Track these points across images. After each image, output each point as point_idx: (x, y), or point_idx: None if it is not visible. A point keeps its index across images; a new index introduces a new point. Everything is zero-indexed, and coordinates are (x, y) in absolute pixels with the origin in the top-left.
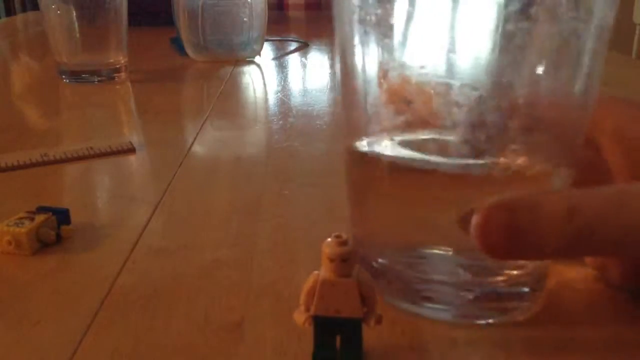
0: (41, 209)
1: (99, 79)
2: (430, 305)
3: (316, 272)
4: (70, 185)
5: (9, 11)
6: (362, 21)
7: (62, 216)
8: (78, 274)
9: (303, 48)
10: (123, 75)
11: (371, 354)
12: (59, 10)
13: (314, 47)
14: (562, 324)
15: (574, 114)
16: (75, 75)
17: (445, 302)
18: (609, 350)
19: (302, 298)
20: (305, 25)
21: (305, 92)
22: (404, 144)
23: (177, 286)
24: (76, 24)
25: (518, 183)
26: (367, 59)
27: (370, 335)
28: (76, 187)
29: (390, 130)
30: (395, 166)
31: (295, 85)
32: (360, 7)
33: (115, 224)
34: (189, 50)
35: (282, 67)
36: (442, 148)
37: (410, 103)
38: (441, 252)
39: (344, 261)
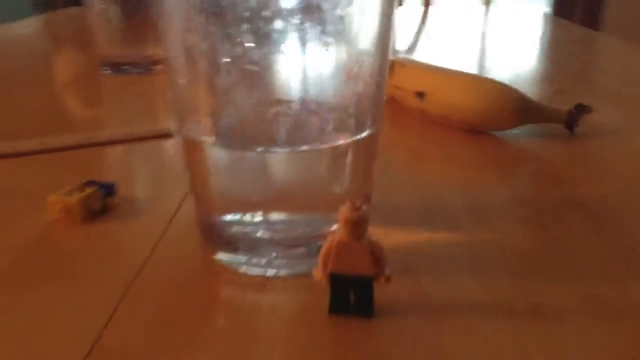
0: (89, 183)
1: (138, 70)
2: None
3: (333, 235)
4: (114, 165)
5: (52, 7)
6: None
7: (108, 189)
8: (121, 240)
9: None
10: (160, 67)
11: (381, 309)
12: (102, 5)
13: None
14: None
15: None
16: (116, 67)
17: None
18: None
19: (321, 258)
20: None
21: None
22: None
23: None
24: (117, 19)
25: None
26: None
27: (380, 293)
28: (119, 166)
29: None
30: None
31: None
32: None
33: (154, 198)
34: None
35: None
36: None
37: (422, 95)
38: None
39: (357, 225)
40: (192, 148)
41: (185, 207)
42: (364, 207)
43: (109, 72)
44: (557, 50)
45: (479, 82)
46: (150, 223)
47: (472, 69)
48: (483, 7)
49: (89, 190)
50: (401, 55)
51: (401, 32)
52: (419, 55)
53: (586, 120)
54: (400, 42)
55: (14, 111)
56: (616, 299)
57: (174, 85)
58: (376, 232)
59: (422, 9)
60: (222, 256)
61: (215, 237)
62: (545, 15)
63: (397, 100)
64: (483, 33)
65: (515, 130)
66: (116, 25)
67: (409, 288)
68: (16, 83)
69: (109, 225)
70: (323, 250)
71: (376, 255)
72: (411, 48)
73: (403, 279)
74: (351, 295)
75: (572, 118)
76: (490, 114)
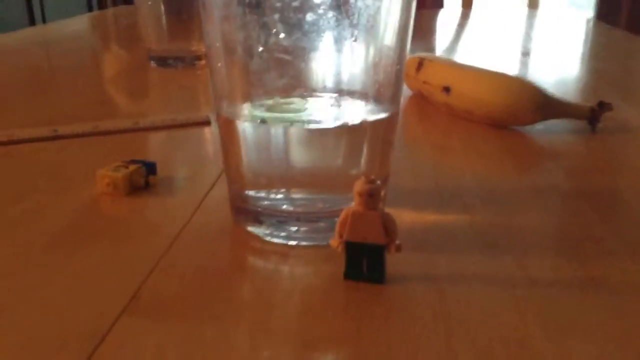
0: (134, 161)
1: (183, 64)
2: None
3: (348, 206)
4: (157, 147)
5: (102, 5)
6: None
7: (150, 167)
8: (160, 212)
9: None
10: (203, 62)
11: (392, 278)
12: (150, 2)
13: None
14: None
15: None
16: (162, 60)
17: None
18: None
19: (337, 227)
20: None
21: None
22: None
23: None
24: (164, 15)
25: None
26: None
27: (392, 262)
28: (161, 149)
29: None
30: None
31: None
32: None
33: (191, 177)
34: None
35: None
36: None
37: (448, 90)
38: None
39: (371, 196)
40: (226, 126)
41: (218, 186)
42: (378, 181)
43: (155, 65)
44: (595, 53)
45: (503, 79)
46: (186, 198)
47: (510, 71)
48: (526, 10)
49: (133, 167)
50: (430, 53)
51: (442, 33)
52: (458, 56)
53: (608, 117)
54: (441, 43)
55: (71, 99)
56: (613, 278)
57: (213, 69)
58: (393, 211)
59: (462, 10)
60: (249, 227)
61: (244, 210)
62: (588, 20)
63: (424, 95)
64: (525, 36)
65: (538, 126)
66: (163, 22)
67: (420, 261)
68: (72, 75)
69: (150, 199)
70: (339, 220)
71: (388, 225)
72: (450, 49)
73: (415, 253)
74: (364, 262)
75: (594, 115)
76: (513, 110)
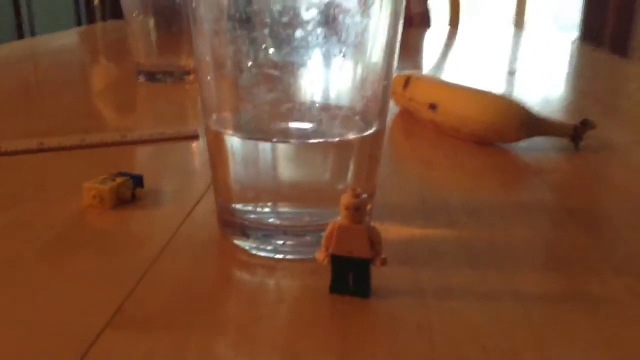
0: (121, 174)
1: (172, 79)
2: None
3: (335, 220)
4: (145, 160)
5: (91, 20)
6: (231, 18)
7: (138, 180)
8: (147, 224)
9: None
10: (192, 77)
11: (378, 292)
12: (140, 17)
13: None
14: None
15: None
16: (151, 75)
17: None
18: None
19: (323, 241)
20: None
21: None
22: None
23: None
24: (154, 30)
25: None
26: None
27: (378, 277)
28: (149, 162)
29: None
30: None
31: None
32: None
33: (178, 191)
34: None
35: None
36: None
37: (435, 107)
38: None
39: (357, 210)
40: (214, 140)
41: (206, 200)
42: (364, 195)
43: (144, 80)
44: (580, 73)
45: (489, 97)
46: (173, 212)
47: (496, 90)
48: (512, 31)
49: (120, 180)
50: (417, 71)
51: (429, 52)
52: (444, 75)
53: (592, 136)
54: (428, 61)
55: (58, 112)
56: (595, 291)
57: (202, 83)
58: (379, 226)
59: (449, 29)
60: (236, 241)
61: (231, 223)
62: (573, 41)
63: (411, 112)
64: (511, 55)
65: (523, 143)
66: (152, 37)
67: (406, 275)
68: (60, 88)
69: (137, 212)
70: (325, 234)
71: (374, 239)
72: (437, 67)
73: (400, 267)
74: (350, 276)
75: (577, 133)
76: (499, 127)
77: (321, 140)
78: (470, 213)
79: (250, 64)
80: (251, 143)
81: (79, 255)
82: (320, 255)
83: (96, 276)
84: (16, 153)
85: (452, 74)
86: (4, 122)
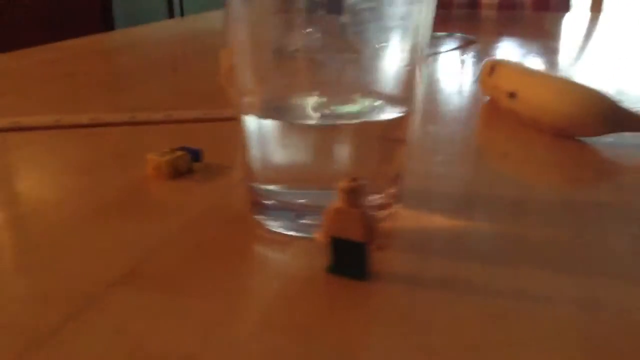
0: (182, 148)
1: None
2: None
3: (333, 202)
4: (216, 137)
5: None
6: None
7: (195, 154)
8: (193, 196)
9: (468, 45)
10: None
11: (379, 274)
12: None
13: (481, 44)
14: None
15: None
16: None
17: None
18: None
19: (323, 222)
20: (493, 24)
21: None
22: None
23: None
24: None
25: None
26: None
27: (383, 263)
28: (216, 138)
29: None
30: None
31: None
32: None
33: (232, 167)
34: None
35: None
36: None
37: (514, 96)
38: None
39: (351, 194)
40: (243, 121)
41: None
42: (361, 181)
43: None
44: None
45: (570, 87)
46: (221, 185)
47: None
48: None
49: (178, 153)
50: (503, 58)
51: (568, 38)
52: (585, 62)
53: None
54: (567, 48)
55: (151, 91)
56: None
57: (235, 64)
58: (405, 211)
59: (590, 14)
60: (258, 216)
61: (253, 200)
62: None
63: (495, 100)
64: None
65: (607, 138)
66: None
67: (413, 263)
68: (193, 67)
69: (189, 183)
70: (324, 215)
71: (369, 223)
72: (578, 54)
73: (409, 255)
74: (348, 258)
75: None
76: (579, 120)
77: (342, 122)
78: (514, 208)
79: (278, 46)
80: (275, 125)
81: (121, 218)
82: (319, 235)
83: (123, 237)
84: (109, 124)
85: (587, 63)
86: (135, 94)
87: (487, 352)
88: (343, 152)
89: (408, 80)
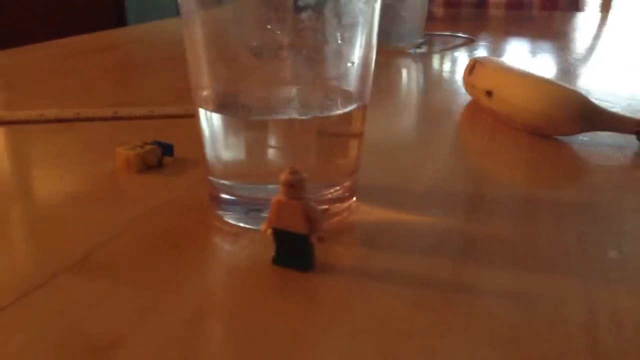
0: (153, 142)
1: None
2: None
3: (275, 195)
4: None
5: None
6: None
7: (167, 149)
8: (157, 189)
9: (468, 43)
10: None
11: (323, 266)
12: None
13: (482, 43)
14: None
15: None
16: None
17: None
18: None
19: (268, 213)
20: (501, 23)
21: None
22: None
23: None
24: None
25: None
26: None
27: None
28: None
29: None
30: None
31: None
32: None
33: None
34: None
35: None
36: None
37: (491, 94)
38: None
39: (292, 186)
40: (199, 116)
41: None
42: (302, 174)
43: None
44: None
45: (545, 85)
46: (187, 179)
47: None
48: None
49: (148, 147)
50: (482, 56)
51: (579, 37)
52: (593, 61)
53: None
54: (578, 47)
55: (143, 88)
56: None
57: (189, 59)
58: (362, 206)
59: (600, 14)
60: (216, 209)
61: (210, 193)
62: None
63: (474, 99)
64: None
65: (583, 137)
66: None
67: (361, 256)
68: (165, 64)
69: (157, 177)
70: (270, 207)
71: (310, 215)
72: (588, 54)
73: (357, 248)
74: (292, 250)
75: None
76: (553, 119)
77: (294, 117)
78: (472, 204)
79: (231, 42)
80: (228, 119)
81: (83, 207)
82: (264, 226)
83: (81, 225)
84: (92, 119)
85: (598, 62)
86: (136, 88)
87: (414, 337)
88: (294, 147)
89: (362, 75)
